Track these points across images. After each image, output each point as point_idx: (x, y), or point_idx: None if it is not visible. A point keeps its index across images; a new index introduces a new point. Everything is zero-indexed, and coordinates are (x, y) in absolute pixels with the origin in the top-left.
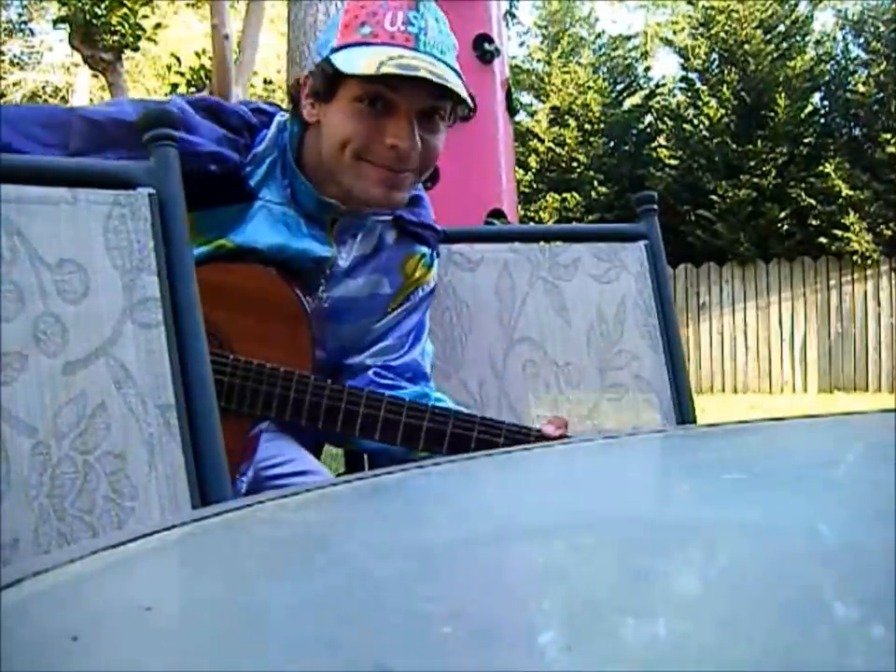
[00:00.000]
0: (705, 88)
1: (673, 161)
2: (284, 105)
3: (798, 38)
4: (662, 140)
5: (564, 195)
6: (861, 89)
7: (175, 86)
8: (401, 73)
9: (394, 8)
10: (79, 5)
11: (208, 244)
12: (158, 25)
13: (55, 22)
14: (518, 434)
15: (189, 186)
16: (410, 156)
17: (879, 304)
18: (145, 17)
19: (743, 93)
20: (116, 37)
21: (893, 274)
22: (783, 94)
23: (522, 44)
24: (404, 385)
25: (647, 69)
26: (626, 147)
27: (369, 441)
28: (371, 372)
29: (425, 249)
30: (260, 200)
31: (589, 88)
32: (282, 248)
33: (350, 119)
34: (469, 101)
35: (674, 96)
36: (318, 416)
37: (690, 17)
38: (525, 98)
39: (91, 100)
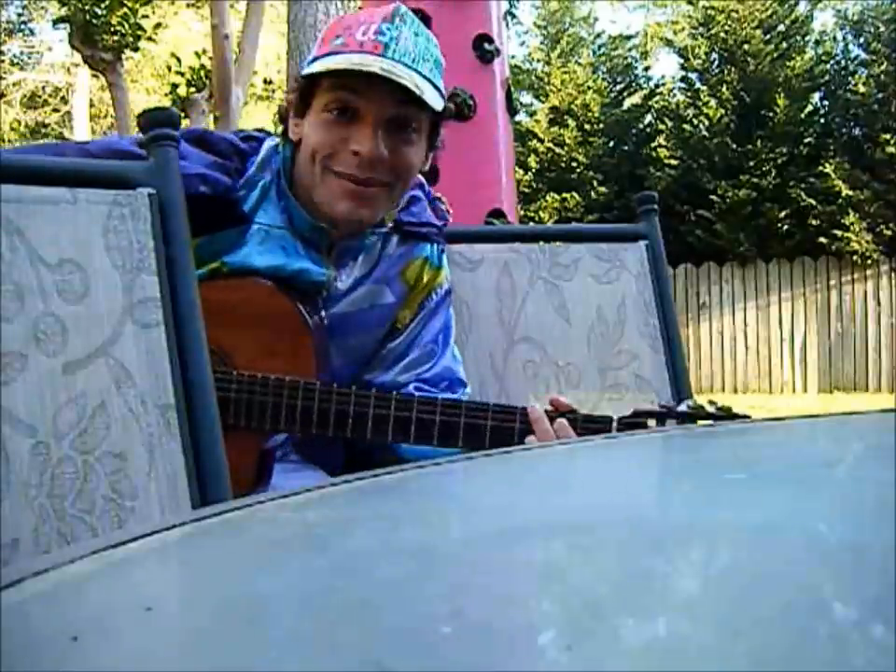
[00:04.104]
0: (704, 88)
1: (673, 161)
2: (278, 130)
3: (798, 38)
4: (661, 140)
5: (563, 195)
6: (861, 89)
7: (175, 86)
8: (351, 68)
9: (369, 22)
10: (79, 5)
11: (204, 267)
12: (158, 25)
13: (55, 22)
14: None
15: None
16: (373, 163)
17: (879, 304)
18: (145, 17)
19: (743, 93)
20: (116, 37)
21: (893, 274)
22: (783, 94)
23: (522, 44)
24: (437, 393)
25: (646, 69)
26: (626, 147)
27: (409, 449)
28: (411, 387)
29: (427, 252)
30: (256, 223)
31: (588, 88)
32: (278, 270)
33: (319, 129)
34: (436, 106)
35: (674, 96)
36: (328, 422)
37: (689, 17)
38: (525, 98)
39: (90, 100)
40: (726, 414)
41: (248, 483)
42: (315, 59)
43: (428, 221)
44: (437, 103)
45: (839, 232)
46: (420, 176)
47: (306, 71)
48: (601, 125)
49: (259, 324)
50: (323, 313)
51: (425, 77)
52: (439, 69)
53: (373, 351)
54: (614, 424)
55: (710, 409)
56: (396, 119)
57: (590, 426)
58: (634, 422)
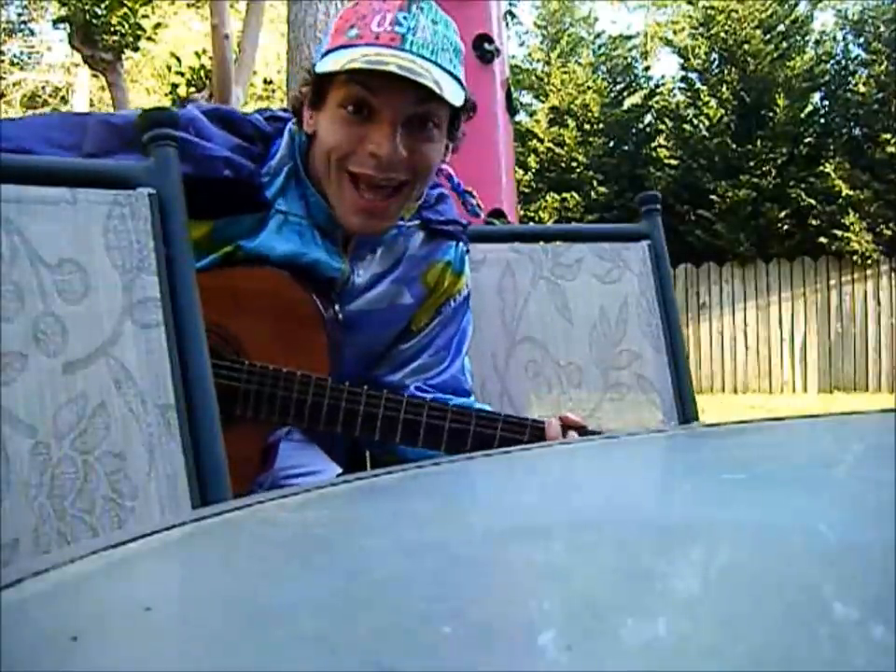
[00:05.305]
0: (704, 88)
1: (673, 161)
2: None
3: (798, 38)
4: (662, 140)
5: (563, 195)
6: (861, 89)
7: (175, 86)
8: (367, 67)
9: (384, 10)
10: (79, 5)
11: (219, 250)
12: (158, 25)
13: (55, 22)
14: (542, 430)
15: (205, 192)
16: (392, 164)
17: (879, 304)
18: (145, 17)
19: (743, 93)
20: (116, 37)
21: (893, 274)
22: (783, 94)
23: (522, 44)
24: (448, 398)
25: (647, 69)
26: (626, 147)
27: (410, 449)
28: (412, 389)
29: (450, 255)
30: (276, 210)
31: (588, 88)
32: (294, 258)
33: (334, 127)
34: (456, 102)
35: (674, 96)
36: (337, 420)
37: (690, 17)
38: (525, 98)
39: (90, 100)
40: None
41: (252, 473)
42: (329, 51)
43: (455, 219)
44: (457, 97)
45: (839, 232)
46: (449, 168)
47: (320, 69)
48: (601, 125)
49: (275, 315)
50: (337, 307)
51: (444, 69)
52: (458, 57)
53: (384, 350)
54: None
55: None
56: (415, 116)
57: None
58: None
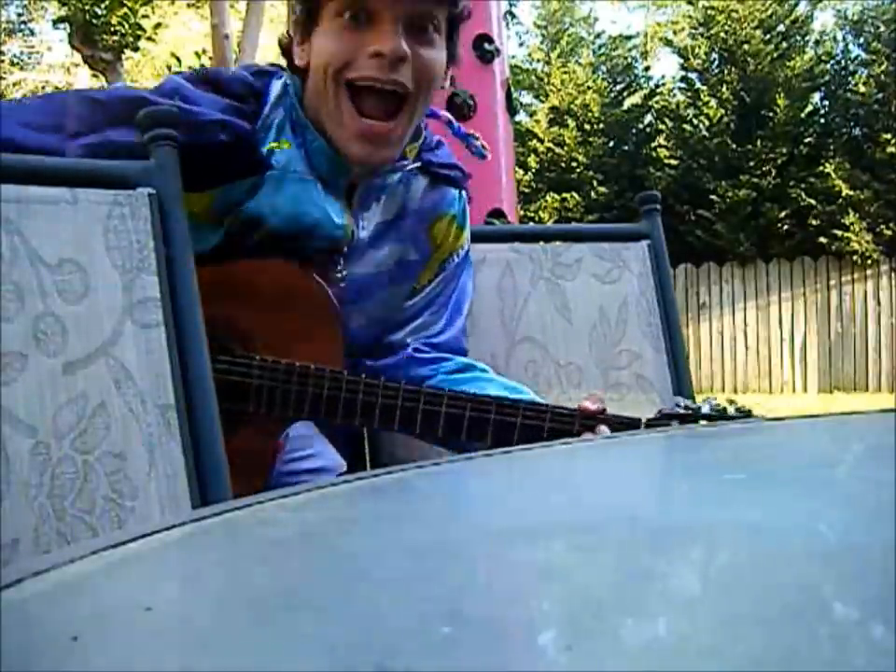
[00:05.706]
0: (704, 88)
1: (673, 161)
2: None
3: (798, 38)
4: (661, 140)
5: (563, 195)
6: (861, 89)
7: None
8: None
9: None
10: (79, 5)
11: (221, 222)
12: (158, 25)
13: (55, 22)
14: (562, 417)
15: (201, 160)
16: (395, 64)
17: (879, 304)
18: (145, 17)
19: (743, 93)
20: (116, 37)
21: (893, 274)
22: (783, 94)
23: (522, 44)
24: (447, 357)
25: (647, 69)
26: (626, 147)
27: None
28: (410, 349)
29: (454, 208)
30: (273, 167)
31: (588, 88)
32: (295, 218)
33: (331, 40)
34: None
35: (674, 96)
36: (355, 413)
37: (690, 17)
38: (525, 98)
39: None
40: (748, 416)
41: (269, 467)
42: None
43: (455, 164)
44: None
45: (839, 232)
46: (447, 114)
47: None
48: (601, 125)
49: (284, 307)
50: (343, 272)
51: None
52: None
53: (390, 310)
54: (643, 425)
55: (731, 409)
56: (415, 16)
57: (620, 427)
58: (660, 423)
